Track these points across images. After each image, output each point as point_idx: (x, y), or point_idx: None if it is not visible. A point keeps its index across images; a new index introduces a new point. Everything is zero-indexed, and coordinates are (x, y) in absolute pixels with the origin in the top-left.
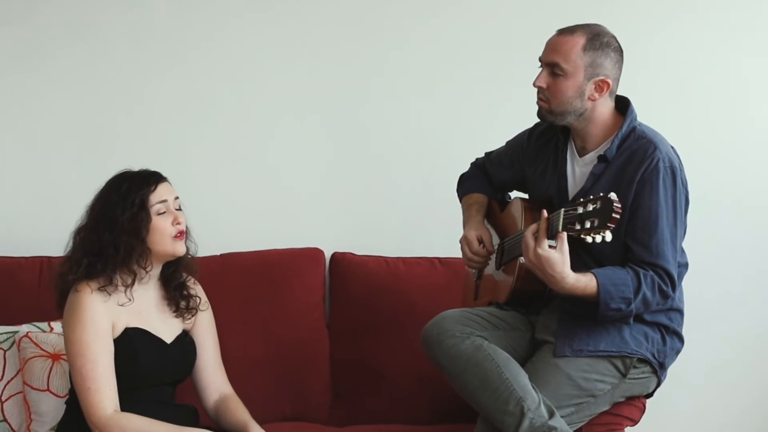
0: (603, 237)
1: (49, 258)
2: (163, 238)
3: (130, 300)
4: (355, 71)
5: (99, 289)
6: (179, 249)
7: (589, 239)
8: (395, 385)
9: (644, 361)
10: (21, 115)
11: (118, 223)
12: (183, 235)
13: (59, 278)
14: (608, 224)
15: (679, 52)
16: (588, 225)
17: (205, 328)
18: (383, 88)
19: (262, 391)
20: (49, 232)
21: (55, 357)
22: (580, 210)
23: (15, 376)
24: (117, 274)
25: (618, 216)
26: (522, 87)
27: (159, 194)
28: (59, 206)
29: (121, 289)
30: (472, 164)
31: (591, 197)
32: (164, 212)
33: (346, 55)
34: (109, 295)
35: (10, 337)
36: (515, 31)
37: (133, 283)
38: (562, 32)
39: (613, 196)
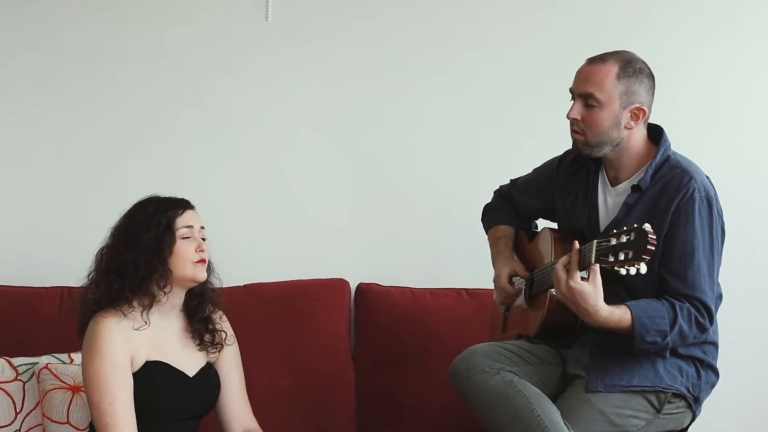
0: (638, 269)
1: (69, 288)
2: (185, 262)
3: (146, 323)
4: (379, 97)
5: (115, 309)
6: (200, 274)
7: (623, 271)
8: (421, 419)
9: (679, 396)
10: (40, 141)
11: (142, 242)
12: (205, 262)
13: (80, 302)
14: (643, 256)
15: (711, 79)
16: (622, 257)
17: (230, 361)
18: (408, 115)
19: (286, 424)
20: (69, 261)
21: (75, 389)
22: (614, 241)
23: (34, 408)
24: (135, 296)
25: (653, 248)
26: (549, 112)
27: (186, 219)
28: (80, 235)
29: (138, 310)
30: (495, 192)
31: (625, 228)
32: (189, 237)
33: (368, 80)
34: (125, 316)
35: (29, 369)
36: (542, 57)
37: (150, 306)
38: (593, 61)
39: (647, 227)
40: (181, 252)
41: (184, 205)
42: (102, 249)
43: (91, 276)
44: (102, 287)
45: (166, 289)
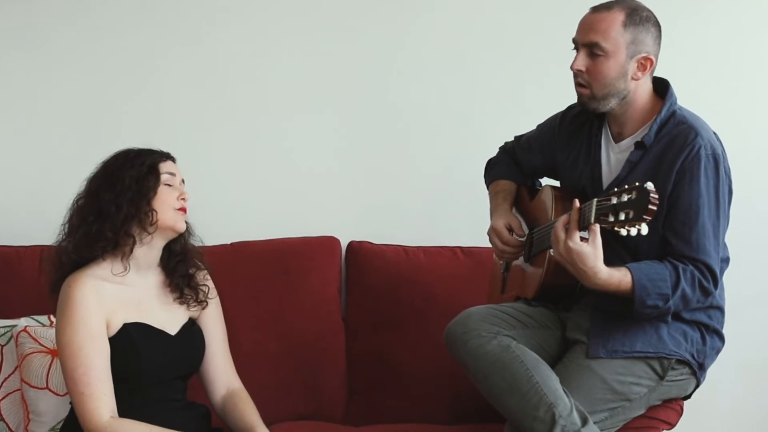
0: (639, 230)
1: (49, 247)
2: (166, 208)
3: (126, 269)
4: (375, 47)
5: (93, 258)
6: (179, 223)
7: (623, 232)
8: (415, 382)
9: (683, 362)
10: (19, 97)
11: (123, 182)
12: (185, 211)
13: (55, 253)
14: (644, 216)
15: (722, 29)
16: (622, 217)
17: (212, 316)
18: (405, 65)
19: (274, 388)
20: (49, 219)
21: (54, 353)
22: (614, 200)
23: (12, 372)
24: (116, 237)
25: (655, 208)
26: (555, 67)
27: (168, 167)
28: (60, 193)
29: (118, 257)
30: (500, 149)
31: (626, 187)
32: (171, 185)
33: (366, 30)
34: (100, 267)
35: (7, 332)
36: (547, 7)
37: (131, 251)
38: (598, 9)
39: (649, 185)
40: (163, 197)
41: (166, 155)
42: (78, 198)
43: (65, 225)
44: (81, 231)
45: (151, 229)
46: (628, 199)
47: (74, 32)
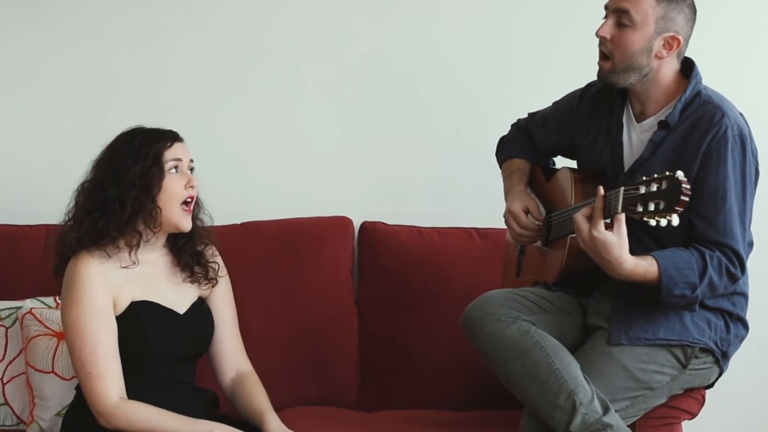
0: (669, 221)
1: (55, 226)
2: (173, 202)
3: (134, 263)
4: (387, 23)
5: (99, 248)
6: (184, 224)
7: (652, 222)
8: (428, 366)
9: (706, 350)
10: (24, 76)
11: (127, 177)
12: (192, 203)
13: (59, 240)
14: (676, 207)
15: (750, 13)
16: (652, 207)
17: (222, 296)
18: (419, 37)
19: (285, 373)
20: (55, 198)
21: (60, 336)
22: (643, 190)
23: (17, 355)
24: (121, 234)
25: (687, 198)
26: (576, 43)
27: (174, 152)
28: (65, 171)
29: (125, 250)
30: (513, 126)
31: (655, 176)
32: (177, 168)
33: (378, 6)
34: (109, 256)
35: (12, 313)
36: None
37: (138, 245)
38: None
39: (680, 174)
40: (169, 188)
41: (172, 136)
42: (83, 183)
43: (70, 213)
44: (85, 225)
45: (156, 229)
46: (658, 188)
47: (77, 8)
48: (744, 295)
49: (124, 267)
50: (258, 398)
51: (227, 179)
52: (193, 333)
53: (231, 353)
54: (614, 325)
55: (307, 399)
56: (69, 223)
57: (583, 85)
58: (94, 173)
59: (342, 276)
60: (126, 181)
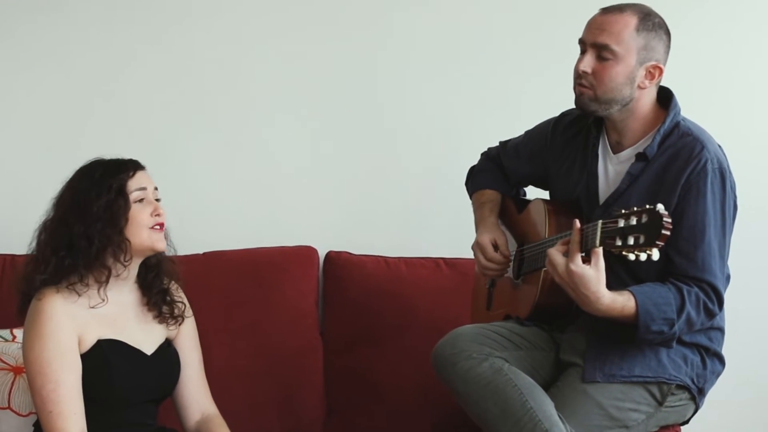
0: (649, 255)
1: (12, 256)
2: (140, 229)
3: (103, 300)
4: (357, 47)
5: (67, 287)
6: (159, 243)
7: (631, 257)
8: (396, 400)
9: (683, 387)
10: None
11: (92, 211)
12: (163, 227)
13: (23, 281)
14: (656, 242)
15: (721, 39)
16: (631, 241)
17: (188, 337)
18: (385, 69)
19: (249, 406)
20: (13, 227)
21: (17, 370)
22: (622, 223)
23: None
24: (89, 272)
25: (668, 233)
26: (549, 69)
27: (138, 181)
28: (25, 199)
29: (94, 288)
30: (483, 155)
31: (635, 209)
32: (143, 200)
33: (348, 29)
34: (78, 295)
35: None
36: (541, 5)
37: (107, 281)
38: (609, 10)
39: (661, 208)
40: (136, 218)
41: (134, 166)
42: (45, 222)
43: (34, 252)
44: (52, 265)
45: (126, 262)
46: (638, 222)
47: (40, 30)
48: (721, 330)
49: (93, 307)
50: None
51: (189, 207)
52: (159, 375)
53: (196, 396)
54: (589, 361)
55: None
56: (32, 264)
57: (556, 113)
58: (56, 210)
59: (307, 307)
60: (91, 216)
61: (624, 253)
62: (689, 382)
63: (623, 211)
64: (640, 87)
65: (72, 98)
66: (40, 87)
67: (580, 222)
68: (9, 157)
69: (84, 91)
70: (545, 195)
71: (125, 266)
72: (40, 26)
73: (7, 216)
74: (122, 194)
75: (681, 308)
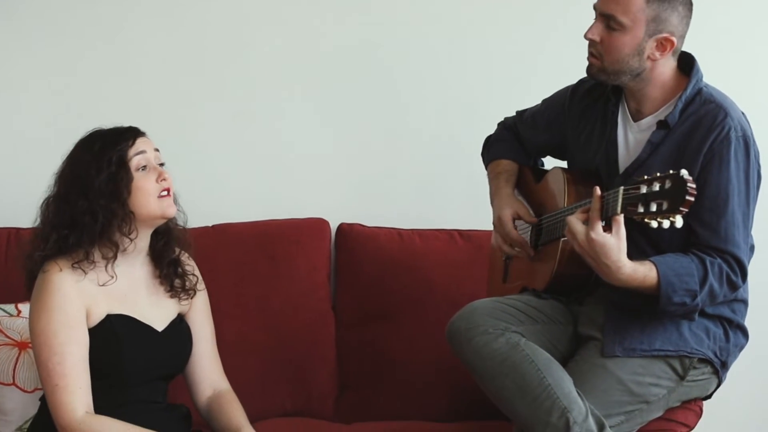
0: (672, 222)
1: (17, 229)
2: (147, 197)
3: (112, 278)
4: (367, 20)
5: (72, 266)
6: (168, 209)
7: (654, 224)
8: (410, 375)
9: (705, 360)
10: None
11: (94, 187)
12: (170, 193)
13: (27, 258)
14: (680, 208)
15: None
16: (654, 208)
17: (201, 311)
18: (399, 33)
19: (260, 383)
20: (18, 199)
21: (22, 345)
22: (644, 189)
23: None
24: (95, 247)
25: (692, 198)
26: (566, 37)
27: (138, 149)
28: (31, 171)
29: (101, 264)
30: (499, 125)
31: (658, 174)
32: (145, 167)
33: (358, 3)
34: (85, 273)
35: None
36: None
37: (115, 257)
38: None
39: (685, 173)
40: (140, 186)
41: (133, 134)
42: (48, 199)
43: (38, 230)
44: (53, 241)
45: (132, 235)
46: (660, 188)
47: (45, 3)
48: (744, 302)
49: (102, 285)
50: (235, 415)
51: (198, 179)
52: (170, 352)
53: (208, 373)
54: (607, 335)
55: (283, 410)
56: (35, 241)
57: (574, 81)
58: (57, 187)
59: (318, 281)
60: (93, 192)
61: (646, 220)
62: (712, 356)
63: (645, 176)
64: (650, 59)
65: (79, 68)
66: (45, 60)
67: (600, 189)
68: (15, 127)
69: (92, 61)
70: (564, 165)
71: (132, 240)
72: (46, 7)
73: (11, 188)
74: (123, 165)
75: (704, 279)
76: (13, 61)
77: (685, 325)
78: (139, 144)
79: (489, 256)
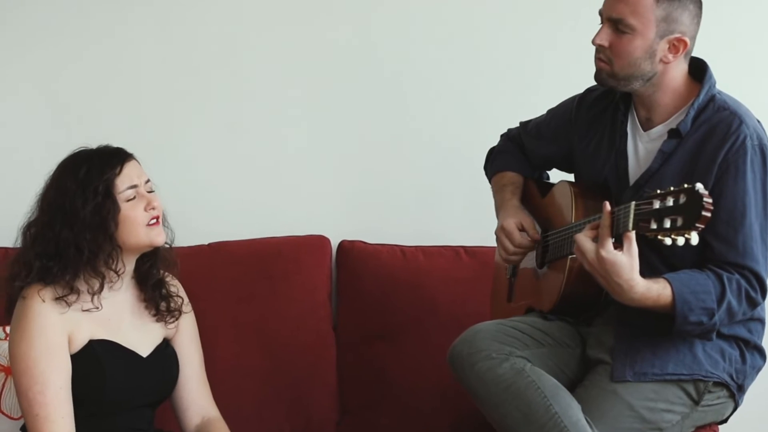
0: (687, 239)
1: (5, 249)
2: (136, 227)
3: (98, 308)
4: (369, 31)
5: (56, 300)
6: (157, 238)
7: (668, 241)
8: (413, 398)
9: (721, 384)
10: None
11: (79, 218)
12: (159, 222)
13: (7, 282)
14: (696, 224)
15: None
16: (668, 224)
17: (188, 335)
18: (401, 44)
19: (257, 408)
20: (7, 219)
21: (9, 370)
22: (657, 204)
23: None
24: (80, 278)
25: (708, 214)
26: (572, 45)
27: (126, 178)
28: (20, 189)
29: (86, 296)
30: (503, 136)
31: (671, 189)
32: (134, 198)
33: (359, 13)
34: (69, 306)
35: None
36: None
37: (101, 289)
38: None
39: (700, 187)
40: (129, 217)
41: (120, 159)
42: (29, 224)
43: (17, 255)
44: (36, 270)
45: (120, 270)
46: (675, 203)
47: (35, 15)
48: (761, 321)
49: (85, 310)
50: None
51: (192, 195)
52: (155, 378)
53: (196, 397)
54: (617, 358)
55: None
56: (16, 267)
57: (581, 90)
58: (40, 212)
59: (319, 300)
60: (78, 223)
61: (660, 237)
62: (728, 379)
63: (658, 191)
64: (663, 61)
65: (70, 85)
66: (35, 76)
67: (610, 204)
68: (4, 143)
69: (82, 78)
70: (570, 178)
71: (118, 274)
72: (35, 10)
73: (1, 205)
74: (109, 196)
75: (721, 297)
76: (3, 78)
77: (699, 346)
78: (128, 172)
79: (493, 273)
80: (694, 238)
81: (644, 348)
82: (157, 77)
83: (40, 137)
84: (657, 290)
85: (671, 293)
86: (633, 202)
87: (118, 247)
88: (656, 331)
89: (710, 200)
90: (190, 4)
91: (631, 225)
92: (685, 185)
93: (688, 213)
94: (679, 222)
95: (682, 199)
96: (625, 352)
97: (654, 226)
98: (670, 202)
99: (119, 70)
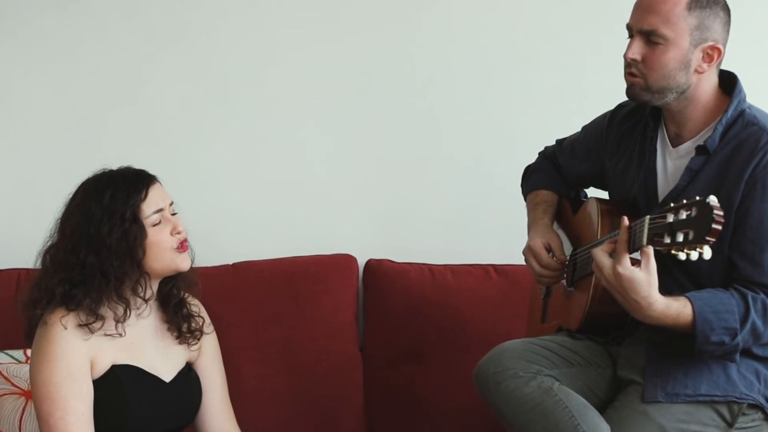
0: (700, 253)
1: (27, 270)
2: (163, 252)
3: (121, 335)
4: (395, 44)
5: (79, 326)
6: (183, 263)
7: (681, 256)
8: (442, 421)
9: (755, 406)
10: None
11: (106, 244)
12: (186, 247)
13: (26, 307)
14: (706, 238)
15: None
16: (680, 238)
17: (210, 357)
18: (431, 58)
19: (282, 430)
20: (27, 240)
21: (29, 395)
22: (671, 218)
23: None
24: (104, 305)
25: (719, 227)
26: (609, 62)
27: (152, 202)
28: (40, 210)
29: (110, 323)
30: (540, 154)
31: (684, 202)
32: (159, 222)
33: (385, 26)
34: (92, 333)
35: None
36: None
37: (125, 317)
38: None
39: (712, 200)
40: (156, 242)
41: (145, 183)
42: (50, 248)
43: (38, 279)
44: (60, 296)
45: (147, 296)
46: (687, 216)
47: (52, 27)
48: None
49: (108, 335)
50: None
51: (217, 214)
52: (178, 404)
53: (220, 422)
54: (649, 379)
55: None
56: (36, 292)
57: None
58: (62, 236)
59: (345, 321)
60: (105, 250)
61: (673, 251)
62: (763, 401)
63: (671, 204)
64: (697, 71)
65: (91, 102)
66: (56, 92)
67: (630, 220)
68: (25, 164)
69: (104, 94)
70: (604, 195)
71: (145, 300)
72: (55, 22)
73: (22, 227)
74: (136, 222)
75: (745, 317)
76: (21, 98)
77: (734, 367)
78: (154, 196)
79: (531, 294)
80: (707, 252)
81: (676, 368)
82: (179, 94)
83: (57, 154)
84: (677, 308)
85: (692, 312)
86: (647, 217)
87: (146, 274)
88: (681, 351)
89: (721, 213)
90: (212, 19)
91: (645, 239)
92: (697, 197)
93: (699, 226)
94: (691, 235)
95: (694, 212)
96: (657, 373)
97: (668, 240)
98: (683, 215)
99: (141, 88)
